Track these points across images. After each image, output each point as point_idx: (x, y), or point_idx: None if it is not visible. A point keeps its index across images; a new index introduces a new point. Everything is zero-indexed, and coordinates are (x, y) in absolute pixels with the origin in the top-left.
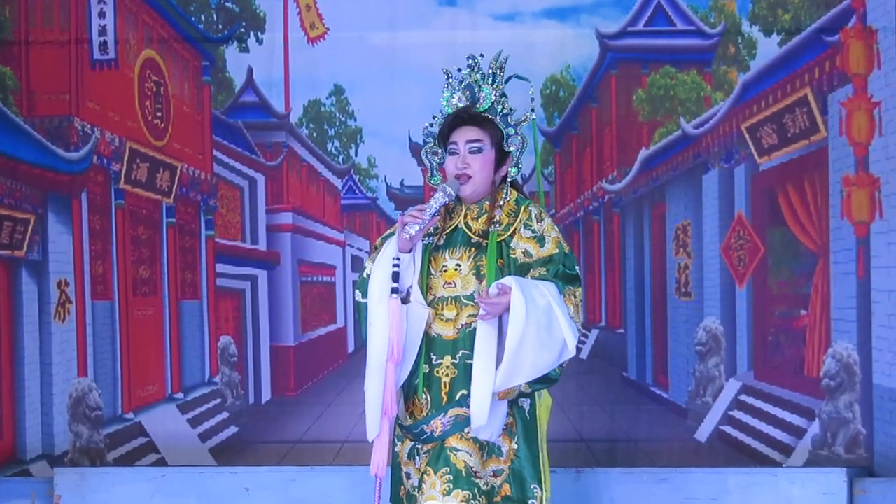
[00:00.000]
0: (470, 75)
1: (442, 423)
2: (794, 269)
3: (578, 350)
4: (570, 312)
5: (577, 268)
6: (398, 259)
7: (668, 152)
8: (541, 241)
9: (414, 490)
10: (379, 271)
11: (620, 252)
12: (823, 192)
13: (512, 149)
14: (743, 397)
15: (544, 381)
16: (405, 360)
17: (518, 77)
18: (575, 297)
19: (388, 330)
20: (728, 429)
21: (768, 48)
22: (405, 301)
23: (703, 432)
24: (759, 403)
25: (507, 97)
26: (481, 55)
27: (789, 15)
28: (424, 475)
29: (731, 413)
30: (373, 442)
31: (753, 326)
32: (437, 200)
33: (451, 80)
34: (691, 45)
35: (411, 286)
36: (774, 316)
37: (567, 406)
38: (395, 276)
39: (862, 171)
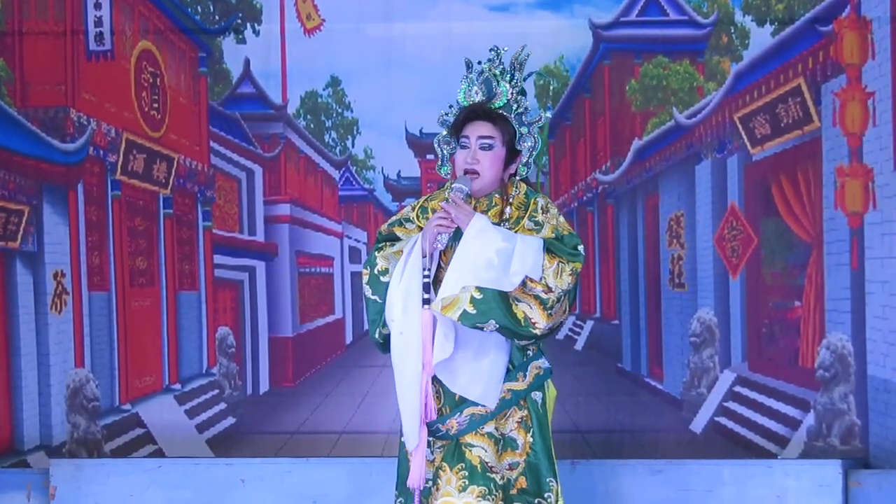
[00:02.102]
0: (489, 69)
1: (458, 422)
2: (787, 259)
3: (573, 341)
4: (545, 264)
5: (579, 248)
6: (428, 270)
7: (661, 143)
8: (539, 228)
9: (427, 483)
10: (408, 278)
11: (614, 243)
12: (817, 182)
13: (525, 146)
14: (738, 388)
15: (488, 308)
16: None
17: (539, 74)
18: (564, 263)
19: (424, 342)
20: (723, 420)
21: (761, 38)
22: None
23: (699, 423)
24: (753, 395)
25: (525, 95)
26: (505, 48)
27: (782, 5)
28: (440, 471)
29: (725, 404)
30: (411, 452)
31: (747, 317)
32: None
33: (470, 73)
34: (684, 34)
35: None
36: (768, 307)
37: (562, 397)
38: (427, 287)
39: (856, 161)
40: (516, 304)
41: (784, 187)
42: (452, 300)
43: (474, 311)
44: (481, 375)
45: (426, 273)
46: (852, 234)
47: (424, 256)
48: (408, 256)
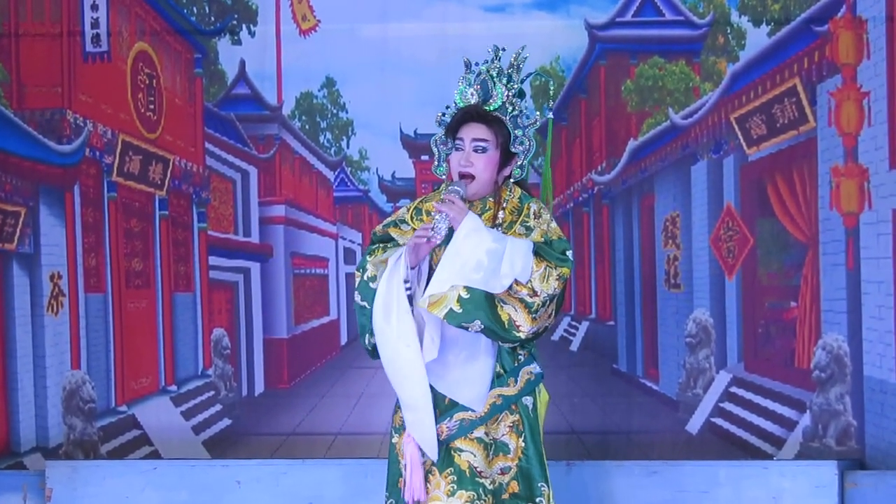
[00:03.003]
0: (486, 70)
1: (447, 427)
2: (783, 260)
3: (569, 342)
4: (533, 268)
5: (567, 253)
6: (408, 283)
7: (657, 143)
8: (529, 233)
9: None
10: (394, 292)
11: (610, 243)
12: (812, 182)
13: (520, 149)
14: (734, 389)
15: (474, 308)
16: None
17: (537, 74)
18: (551, 268)
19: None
20: (719, 421)
21: (757, 38)
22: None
23: (695, 424)
24: (749, 395)
25: (523, 97)
26: (503, 49)
27: (778, 5)
28: (429, 475)
29: (721, 405)
30: (426, 461)
31: (743, 318)
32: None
33: (468, 74)
34: (680, 35)
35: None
36: (764, 307)
37: (558, 398)
38: (410, 301)
39: (851, 161)
40: (502, 307)
41: (780, 187)
42: (440, 298)
43: (460, 311)
44: (470, 379)
45: (408, 287)
46: (848, 234)
47: (412, 268)
48: (392, 271)
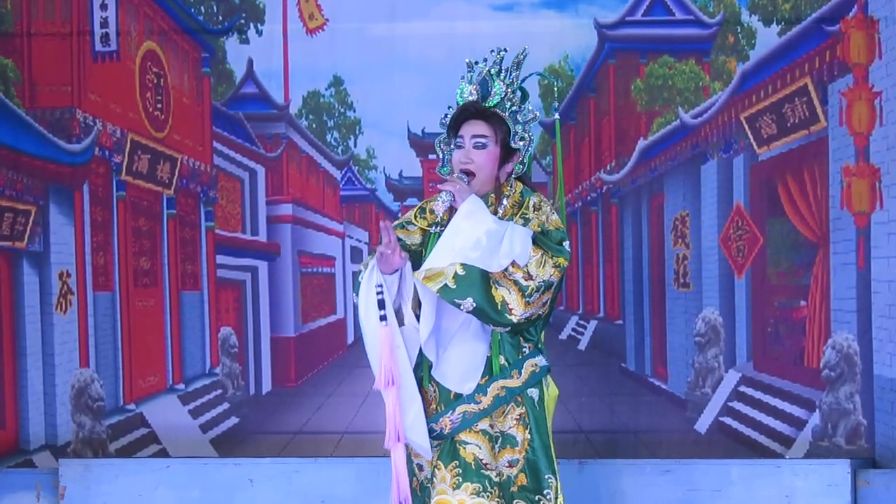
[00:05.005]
0: (486, 68)
1: (451, 420)
2: (793, 259)
3: (577, 341)
4: (530, 253)
5: (564, 244)
6: (381, 286)
7: (667, 142)
8: (526, 225)
9: (427, 482)
10: (364, 294)
11: (618, 243)
12: (823, 182)
13: (519, 145)
14: (742, 388)
15: (469, 285)
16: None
17: (541, 75)
18: (547, 256)
19: (381, 358)
20: (728, 420)
21: (768, 38)
22: (401, 323)
23: (703, 423)
24: (758, 394)
25: (526, 98)
26: (506, 50)
27: (789, 4)
28: (436, 469)
29: (730, 404)
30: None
31: (752, 317)
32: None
33: (471, 73)
34: (690, 34)
35: (402, 308)
36: (774, 307)
37: (566, 397)
38: (381, 304)
39: (862, 161)
40: (496, 288)
41: (790, 187)
42: (437, 272)
43: (455, 287)
44: (456, 361)
45: (378, 290)
46: (859, 233)
47: (389, 273)
48: (370, 273)
